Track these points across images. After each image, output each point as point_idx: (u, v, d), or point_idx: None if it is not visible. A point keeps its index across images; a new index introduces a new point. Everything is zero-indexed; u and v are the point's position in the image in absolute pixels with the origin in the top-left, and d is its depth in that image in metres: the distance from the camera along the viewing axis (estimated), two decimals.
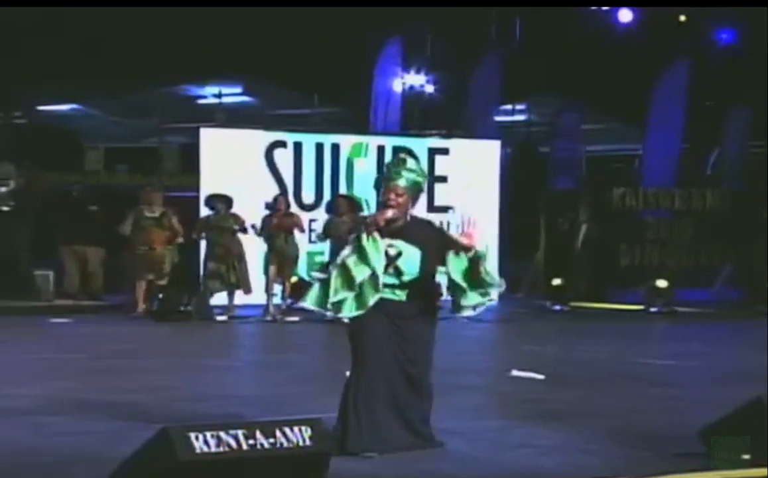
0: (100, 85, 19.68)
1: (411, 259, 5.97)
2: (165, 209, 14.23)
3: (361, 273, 5.82)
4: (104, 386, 8.36)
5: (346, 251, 5.88)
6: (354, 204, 14.61)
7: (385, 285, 5.93)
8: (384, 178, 6.19)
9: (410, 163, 6.16)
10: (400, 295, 6.01)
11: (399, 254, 5.93)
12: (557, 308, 15.58)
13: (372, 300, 5.88)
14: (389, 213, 5.92)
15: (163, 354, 10.77)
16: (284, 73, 19.85)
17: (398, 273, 5.96)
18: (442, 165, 16.45)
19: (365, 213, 14.69)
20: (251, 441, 4.69)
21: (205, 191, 14.53)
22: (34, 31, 18.72)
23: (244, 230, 13.95)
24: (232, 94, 21.17)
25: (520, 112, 22.76)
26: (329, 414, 5.88)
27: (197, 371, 9.68)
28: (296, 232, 14.10)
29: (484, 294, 6.19)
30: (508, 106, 21.87)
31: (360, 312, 5.92)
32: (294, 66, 19.75)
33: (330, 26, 19.46)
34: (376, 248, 5.84)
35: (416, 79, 19.80)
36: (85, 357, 10.16)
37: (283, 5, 18.79)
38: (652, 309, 15.56)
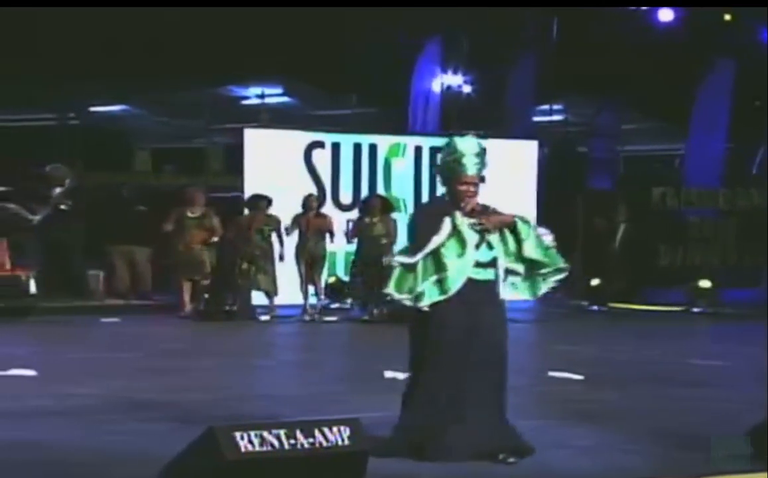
0: (149, 86, 19.91)
1: (495, 236, 5.91)
2: (206, 209, 14.35)
3: (452, 256, 5.75)
4: (152, 385, 8.45)
5: (438, 237, 5.74)
6: (388, 205, 14.63)
7: (478, 264, 5.86)
8: (454, 164, 5.95)
9: (477, 146, 6.00)
10: (490, 274, 5.92)
11: (487, 230, 5.86)
12: (595, 308, 15.55)
13: (456, 285, 5.76)
14: (474, 202, 5.86)
15: (208, 354, 10.89)
16: (323, 74, 19.97)
17: (490, 247, 5.89)
18: None
19: (398, 214, 14.73)
20: (292, 441, 4.76)
21: (248, 191, 14.65)
22: (85, 32, 18.98)
23: (280, 235, 13.97)
24: (273, 95, 21.32)
25: (558, 112, 22.72)
26: (367, 414, 5.94)
27: (240, 370, 9.80)
28: (326, 231, 14.10)
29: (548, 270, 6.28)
30: (546, 106, 21.85)
31: (442, 298, 5.78)
32: (333, 67, 19.86)
33: (369, 27, 19.54)
34: (469, 232, 5.79)
35: (454, 80, 19.84)
36: (135, 357, 10.29)
37: (325, 5, 18.89)
38: (695, 309, 15.47)
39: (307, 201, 14.12)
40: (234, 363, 10.22)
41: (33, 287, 13.34)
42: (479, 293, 5.88)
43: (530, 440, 6.27)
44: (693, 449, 6.30)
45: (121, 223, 15.03)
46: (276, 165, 15.19)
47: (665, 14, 20.60)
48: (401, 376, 8.94)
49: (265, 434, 4.69)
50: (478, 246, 5.85)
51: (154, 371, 9.29)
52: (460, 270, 5.77)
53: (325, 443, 4.86)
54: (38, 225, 14.32)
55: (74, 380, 8.60)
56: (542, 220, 16.75)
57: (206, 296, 13.96)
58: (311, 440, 4.84)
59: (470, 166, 5.90)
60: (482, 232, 5.86)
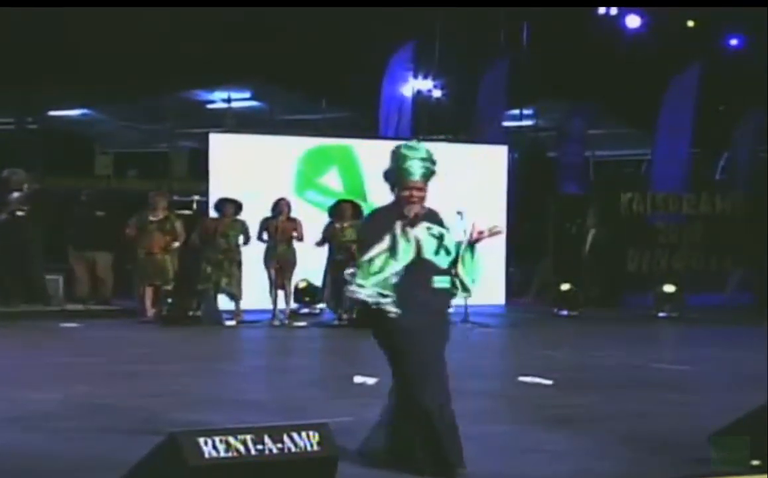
0: (111, 90, 19.73)
1: (451, 238, 5.88)
2: (168, 213, 14.22)
3: (393, 265, 5.67)
4: (115, 390, 8.37)
5: (378, 248, 5.68)
6: (358, 210, 14.58)
7: (435, 271, 5.77)
8: (400, 171, 5.90)
9: (422, 151, 5.94)
10: (445, 281, 5.83)
11: (443, 234, 5.84)
12: (565, 313, 15.55)
13: (410, 290, 5.66)
14: (418, 208, 5.81)
15: (173, 359, 10.78)
16: (292, 78, 19.88)
17: (447, 252, 5.84)
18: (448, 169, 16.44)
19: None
20: (260, 446, 4.68)
21: (213, 196, 14.54)
22: (44, 36, 18.78)
23: (247, 241, 13.88)
24: (241, 99, 21.21)
25: (528, 117, 22.77)
26: (336, 419, 5.88)
27: (206, 375, 9.67)
28: (294, 237, 14.01)
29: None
30: (516, 111, 21.88)
31: (398, 311, 5.69)
32: (302, 71, 19.79)
33: (339, 30, 19.50)
34: (409, 246, 5.70)
35: (424, 84, 19.84)
36: (96, 362, 10.19)
37: (295, 5, 18.83)
38: (661, 314, 15.52)
39: (277, 205, 14.02)
40: (199, 368, 10.10)
41: None
42: (439, 302, 5.82)
43: (501, 444, 6.22)
44: (662, 452, 6.32)
45: (82, 228, 14.86)
46: (243, 170, 15.08)
47: (633, 20, 20.72)
48: (370, 381, 8.88)
49: (231, 439, 4.58)
50: (437, 252, 5.78)
51: (116, 376, 9.18)
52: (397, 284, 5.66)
53: (293, 449, 4.79)
54: None
55: (35, 385, 8.46)
56: (512, 225, 16.83)
57: (170, 300, 13.80)
58: (279, 445, 4.76)
59: (414, 171, 5.84)
60: (440, 238, 5.79)
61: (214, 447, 4.52)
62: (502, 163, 17.18)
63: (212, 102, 21.34)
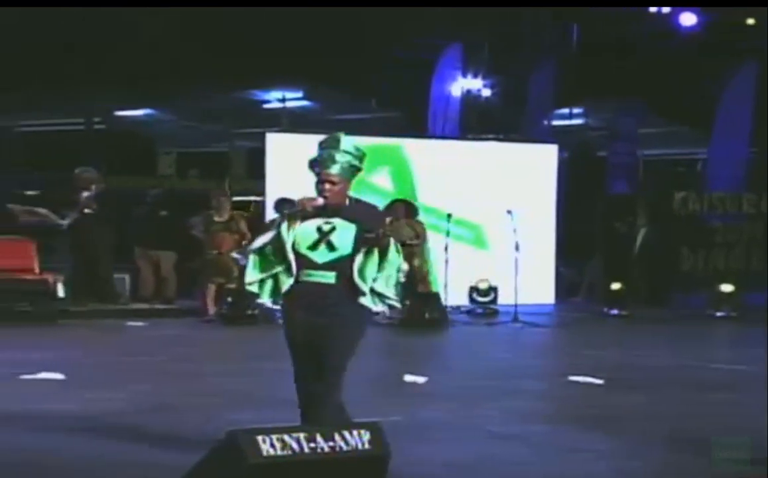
0: (173, 90, 20.04)
1: (345, 234, 5.53)
2: (233, 214, 14.40)
3: (276, 262, 5.55)
4: (176, 389, 8.50)
5: (265, 237, 5.59)
6: (412, 209, 14.71)
7: (313, 266, 5.52)
8: (317, 163, 5.70)
9: (344, 143, 5.63)
10: (329, 277, 5.52)
11: (333, 229, 5.53)
12: (615, 312, 15.53)
13: (285, 286, 5.55)
14: (320, 201, 5.56)
15: (231, 358, 10.95)
16: (343, 78, 20.03)
17: (330, 248, 5.52)
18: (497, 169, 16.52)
19: (420, 218, 14.79)
20: (312, 445, 4.79)
21: (270, 195, 14.69)
22: (111, 37, 19.15)
23: None
24: (294, 99, 21.40)
25: (578, 115, 22.71)
26: (386, 418, 5.98)
27: (261, 374, 9.84)
28: None
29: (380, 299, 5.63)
30: (566, 110, 21.84)
31: (273, 300, 5.62)
32: (353, 70, 19.93)
33: (389, 30, 19.61)
34: (288, 239, 5.53)
35: (474, 84, 19.88)
36: (160, 360, 10.37)
37: (346, 5, 18.98)
38: (718, 314, 15.41)
39: None
40: (255, 367, 10.26)
41: (61, 291, 13.41)
42: (325, 293, 5.52)
43: (549, 443, 6.27)
44: (708, 454, 6.27)
45: (146, 227, 15.11)
46: (298, 169, 15.21)
47: (688, 18, 20.54)
48: (420, 379, 9.00)
49: (286, 437, 4.72)
50: (315, 246, 5.52)
51: (178, 375, 9.34)
52: (285, 274, 5.55)
53: (345, 447, 4.88)
54: (66, 229, 14.41)
55: (101, 383, 8.66)
56: (562, 224, 16.84)
57: (229, 299, 14.02)
58: (331, 443, 4.85)
59: (326, 163, 5.62)
60: (326, 231, 5.52)
61: (272, 445, 4.66)
62: (551, 162, 17.18)
63: (267, 102, 21.54)
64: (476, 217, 16.22)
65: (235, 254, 5.17)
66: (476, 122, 19.77)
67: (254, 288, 5.63)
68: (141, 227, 15.20)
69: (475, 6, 18.99)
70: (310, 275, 5.53)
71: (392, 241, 5.60)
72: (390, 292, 5.62)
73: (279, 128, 18.31)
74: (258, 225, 14.59)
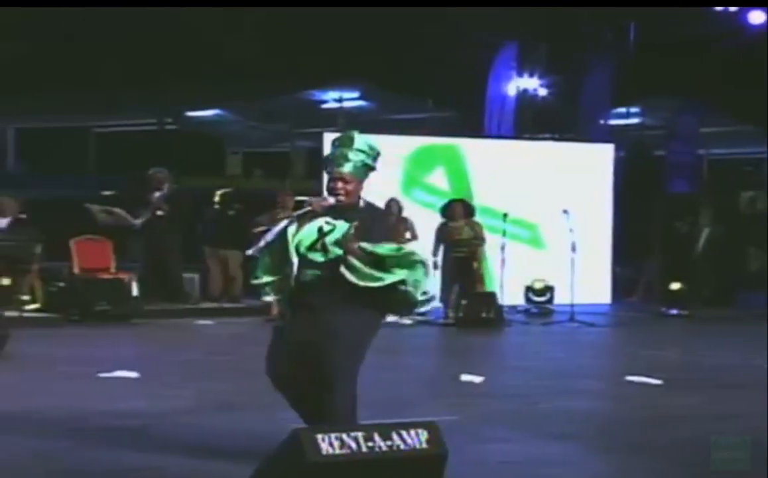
0: (239, 91, 20.30)
1: (340, 235, 5.37)
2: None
3: (281, 263, 5.47)
4: (242, 387, 8.52)
5: (269, 236, 5.44)
6: (469, 208, 14.73)
7: (312, 266, 5.40)
8: (329, 162, 5.56)
9: (358, 141, 5.50)
10: (326, 278, 5.41)
11: (332, 230, 5.37)
12: (675, 312, 15.39)
13: (288, 287, 5.47)
14: (331, 200, 5.44)
15: None
16: (399, 78, 20.10)
17: (324, 250, 5.38)
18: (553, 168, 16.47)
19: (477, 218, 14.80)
20: (370, 443, 4.82)
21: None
22: (185, 39, 19.47)
23: None
24: (351, 99, 21.52)
25: (635, 115, 22.53)
26: (443, 417, 6.01)
27: None
28: (408, 235, 14.18)
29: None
30: (622, 110, 21.69)
31: (279, 298, 5.56)
32: (409, 70, 19.98)
33: (445, 30, 19.63)
34: (292, 239, 5.40)
35: (530, 83, 19.83)
36: (226, 359, 10.48)
37: (402, 6, 19.04)
38: None
39: (389, 205, 14.22)
40: None
41: (135, 290, 13.63)
42: (319, 292, 5.42)
43: (602, 445, 6.24)
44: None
45: (215, 227, 15.29)
46: None
47: (757, 16, 20.23)
48: (477, 379, 9.02)
49: (345, 436, 4.77)
50: (313, 247, 5.39)
51: (243, 374, 9.35)
52: (289, 272, 5.45)
53: (402, 446, 4.90)
54: (139, 229, 14.62)
55: (171, 381, 8.79)
56: (618, 223, 16.72)
57: None
58: (389, 442, 4.88)
59: (338, 161, 5.48)
60: (325, 232, 5.37)
61: (330, 444, 4.73)
62: (608, 161, 17.10)
63: (325, 102, 21.69)
64: (532, 216, 16.19)
65: (249, 252, 5.05)
66: (532, 122, 19.71)
67: (265, 288, 5.55)
68: (210, 227, 15.37)
69: (534, 6, 18.94)
70: (308, 276, 5.43)
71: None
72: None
73: (336, 128, 18.41)
74: None
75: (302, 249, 5.39)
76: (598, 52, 19.52)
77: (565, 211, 14.36)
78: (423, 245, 14.18)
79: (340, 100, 21.46)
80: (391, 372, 10.26)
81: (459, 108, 20.57)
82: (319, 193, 15.15)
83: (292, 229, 5.40)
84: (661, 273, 16.87)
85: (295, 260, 5.40)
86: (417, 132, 17.84)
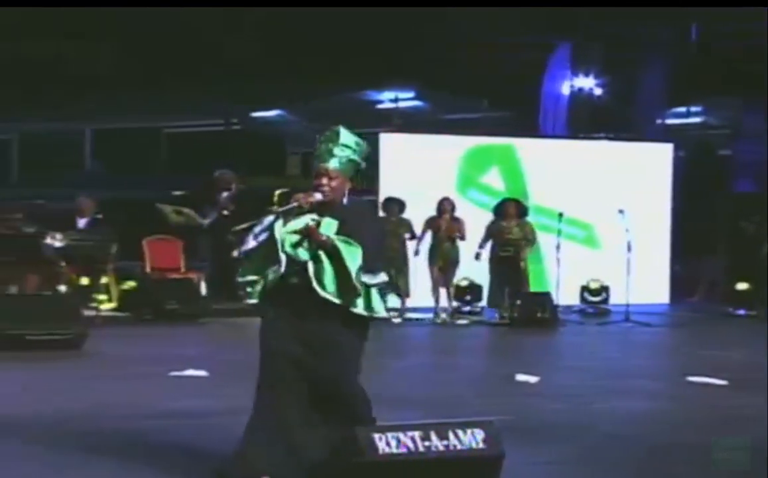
0: (299, 92, 20.48)
1: (326, 232, 5.12)
2: None
3: (268, 262, 5.16)
4: None
5: (262, 236, 5.18)
6: (522, 208, 14.65)
7: (297, 265, 5.10)
8: (314, 157, 5.29)
9: (344, 137, 5.25)
10: (308, 277, 5.10)
11: (318, 226, 5.12)
12: (742, 312, 15.16)
13: (271, 284, 5.14)
14: (317, 196, 5.15)
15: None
16: (454, 78, 20.08)
17: (309, 246, 5.12)
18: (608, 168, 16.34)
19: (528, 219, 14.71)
20: (427, 443, 4.81)
21: (383, 194, 14.83)
22: (250, 41, 19.71)
23: (413, 237, 14.18)
24: (406, 99, 21.57)
25: (696, 114, 22.27)
26: (498, 417, 5.98)
27: (371, 372, 9.92)
28: (458, 236, 14.17)
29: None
30: (683, 109, 21.46)
31: (258, 301, 5.20)
32: (464, 70, 19.95)
33: (499, 30, 19.56)
34: (276, 238, 5.12)
35: (585, 82, 19.70)
36: None
37: (457, 5, 19.01)
38: None
39: (441, 205, 14.23)
40: (366, 364, 10.36)
41: (203, 289, 13.77)
42: (308, 298, 5.09)
43: (667, 443, 6.16)
44: None
45: None
46: (409, 169, 15.34)
47: None
48: (533, 379, 8.98)
49: (401, 435, 4.77)
50: (298, 245, 5.12)
51: None
52: (274, 273, 5.14)
53: (458, 446, 4.88)
54: (207, 228, 14.78)
55: (239, 380, 8.80)
56: (677, 223, 16.52)
57: None
58: (445, 442, 4.87)
59: (324, 157, 5.21)
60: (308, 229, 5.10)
61: (387, 443, 4.73)
62: (666, 161, 16.92)
63: (381, 102, 21.77)
64: (588, 216, 16.07)
65: (235, 253, 4.83)
66: (586, 121, 19.58)
67: (247, 288, 5.25)
68: None
69: (590, 6, 18.80)
70: (293, 276, 5.12)
71: (337, 240, 5.06)
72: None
73: (391, 128, 18.44)
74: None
75: (287, 246, 5.12)
76: (653, 51, 19.32)
77: (620, 211, 14.24)
78: (470, 245, 14.21)
79: (395, 100, 21.53)
80: (445, 372, 10.28)
81: (514, 108, 20.49)
82: (375, 192, 15.33)
83: (278, 225, 5.15)
84: (727, 273, 16.61)
85: (283, 257, 5.12)
86: (472, 132, 17.80)
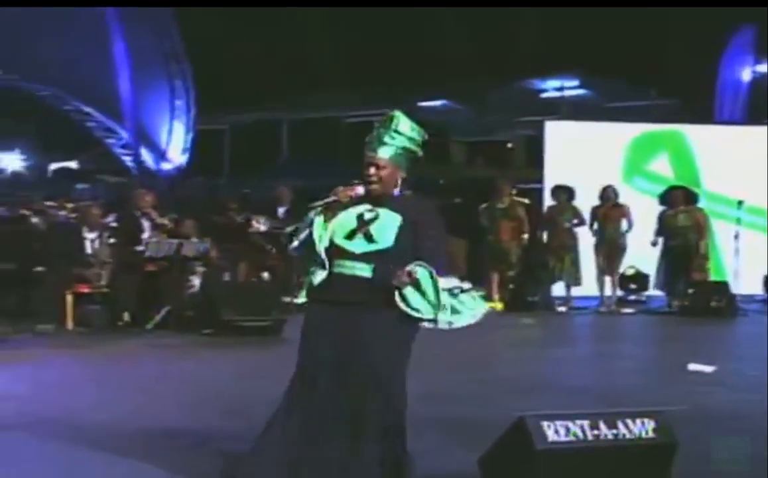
0: (464, 82, 20.61)
1: (388, 224, 4.74)
2: (512, 201, 14.51)
3: (311, 259, 4.82)
4: (458, 377, 8.54)
5: (303, 233, 4.83)
6: (691, 196, 14.29)
7: (348, 256, 4.75)
8: (366, 144, 4.87)
9: (398, 122, 4.83)
10: (365, 270, 4.71)
11: (375, 218, 4.74)
12: None
13: (318, 279, 4.78)
14: (359, 190, 4.77)
15: (511, 344, 10.98)
16: (621, 66, 19.77)
17: (368, 238, 4.73)
18: None
19: (700, 205, 14.30)
20: (595, 432, 4.78)
21: (549, 183, 14.74)
22: (416, 36, 20.07)
23: (582, 223, 14.05)
24: (572, 88, 21.36)
25: None
26: (670, 407, 5.86)
27: (542, 360, 9.89)
28: (624, 223, 13.96)
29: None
30: None
31: (304, 299, 4.85)
32: (631, 58, 19.62)
33: (668, 19, 19.15)
34: (324, 230, 4.76)
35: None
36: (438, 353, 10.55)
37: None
38: None
39: (604, 192, 14.04)
40: (532, 353, 10.33)
41: None
42: (359, 289, 4.72)
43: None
44: None
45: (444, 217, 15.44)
46: (574, 157, 15.17)
47: None
48: (708, 369, 8.73)
49: (570, 424, 4.75)
50: (352, 235, 4.74)
51: (464, 364, 9.34)
52: (319, 266, 4.79)
53: (628, 435, 4.84)
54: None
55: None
56: None
57: (511, 286, 14.17)
58: (614, 431, 4.83)
59: (373, 144, 4.81)
60: (367, 220, 4.74)
61: (556, 431, 4.71)
62: None
63: (545, 90, 21.63)
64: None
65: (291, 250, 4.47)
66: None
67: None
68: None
69: None
70: (343, 267, 4.74)
71: (421, 273, 4.67)
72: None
73: (557, 116, 18.27)
74: (537, 212, 14.73)
75: (338, 238, 4.76)
76: None
77: None
78: (638, 233, 13.93)
79: (561, 88, 21.35)
80: (614, 361, 10.12)
81: (683, 95, 19.99)
82: (540, 181, 15.17)
83: (318, 222, 4.79)
84: None
85: (322, 253, 4.77)
86: (640, 119, 17.44)
